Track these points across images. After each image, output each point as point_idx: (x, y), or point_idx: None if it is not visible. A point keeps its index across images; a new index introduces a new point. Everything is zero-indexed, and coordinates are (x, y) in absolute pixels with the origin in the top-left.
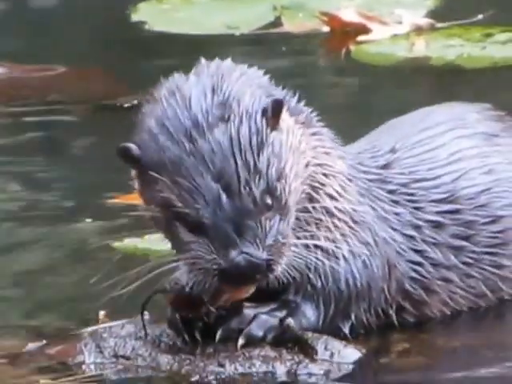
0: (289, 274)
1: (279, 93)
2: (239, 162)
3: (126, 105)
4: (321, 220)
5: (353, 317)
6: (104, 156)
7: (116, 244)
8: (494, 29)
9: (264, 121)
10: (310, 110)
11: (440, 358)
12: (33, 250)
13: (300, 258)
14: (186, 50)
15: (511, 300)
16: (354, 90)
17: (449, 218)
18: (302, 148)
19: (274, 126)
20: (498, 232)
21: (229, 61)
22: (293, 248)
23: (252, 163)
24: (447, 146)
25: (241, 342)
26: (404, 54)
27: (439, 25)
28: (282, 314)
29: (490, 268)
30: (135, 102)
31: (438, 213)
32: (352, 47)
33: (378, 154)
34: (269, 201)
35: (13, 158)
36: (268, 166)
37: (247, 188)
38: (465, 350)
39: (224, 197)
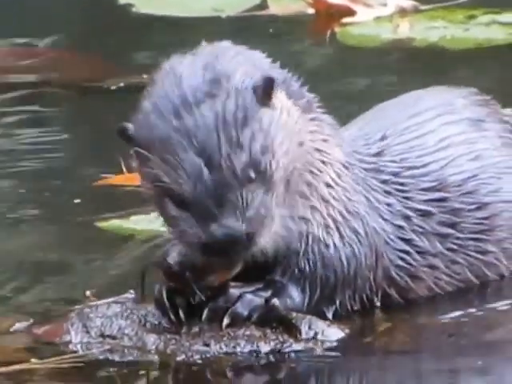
0: (276, 252)
1: (279, 75)
2: (222, 137)
3: (112, 87)
4: (316, 207)
5: (337, 302)
6: (91, 137)
7: (102, 224)
8: (477, 10)
9: (253, 97)
10: (313, 96)
11: (423, 337)
12: (21, 230)
13: (288, 231)
14: (173, 33)
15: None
16: (339, 71)
17: (436, 205)
18: (296, 128)
19: (265, 102)
20: (484, 218)
21: (227, 42)
22: (281, 220)
23: (235, 138)
24: (435, 133)
25: (226, 321)
26: (388, 36)
27: (423, 7)
28: (267, 293)
29: (474, 254)
30: (122, 84)
31: (426, 201)
32: (337, 29)
33: (370, 142)
34: (251, 174)
35: None
36: (252, 140)
37: (228, 162)
38: (447, 329)
39: (205, 171)
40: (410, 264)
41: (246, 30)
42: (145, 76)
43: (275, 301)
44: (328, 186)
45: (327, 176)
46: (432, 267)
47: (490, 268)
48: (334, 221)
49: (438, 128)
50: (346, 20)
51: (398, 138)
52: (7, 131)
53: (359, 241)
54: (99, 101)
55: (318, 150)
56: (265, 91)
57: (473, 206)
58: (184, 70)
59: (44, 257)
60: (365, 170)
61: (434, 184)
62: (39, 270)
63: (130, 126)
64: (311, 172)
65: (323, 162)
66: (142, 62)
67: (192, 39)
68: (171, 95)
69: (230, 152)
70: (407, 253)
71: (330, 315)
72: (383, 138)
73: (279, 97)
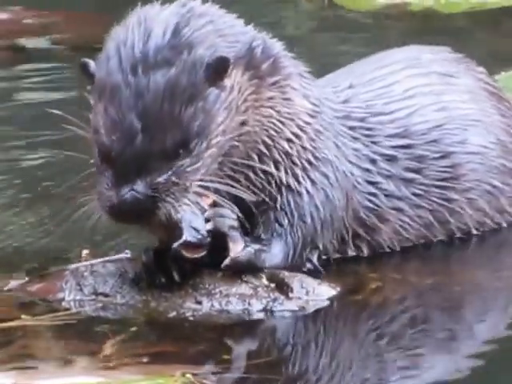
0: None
1: (243, 45)
2: (165, 109)
3: None
4: (278, 161)
5: (320, 246)
6: None
7: None
8: None
9: (205, 75)
10: (284, 52)
11: (412, 296)
12: (4, 189)
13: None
14: None
15: (478, 237)
16: (334, 33)
17: (402, 152)
18: (243, 106)
19: (214, 82)
20: (448, 167)
21: (207, 5)
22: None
23: (177, 113)
24: (402, 83)
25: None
26: (384, 0)
27: None
28: (255, 246)
29: (438, 200)
30: None
31: (392, 147)
32: None
33: (339, 90)
34: (180, 151)
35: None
36: (192, 119)
37: (162, 134)
38: (436, 288)
39: (139, 137)
40: (378, 206)
41: None
42: None
43: (246, 251)
44: (289, 140)
45: (287, 132)
46: (398, 210)
47: (453, 215)
48: (303, 169)
49: (404, 79)
50: None
51: (365, 87)
52: (18, 92)
53: (330, 184)
54: None
55: (277, 112)
56: (216, 72)
57: (437, 155)
58: (155, 26)
59: (35, 214)
60: (334, 116)
61: (399, 131)
62: (31, 227)
63: (91, 63)
64: (268, 133)
65: (281, 122)
66: None
67: None
68: (135, 48)
69: (167, 126)
70: (374, 195)
71: (315, 259)
72: (351, 87)
73: (232, 75)
